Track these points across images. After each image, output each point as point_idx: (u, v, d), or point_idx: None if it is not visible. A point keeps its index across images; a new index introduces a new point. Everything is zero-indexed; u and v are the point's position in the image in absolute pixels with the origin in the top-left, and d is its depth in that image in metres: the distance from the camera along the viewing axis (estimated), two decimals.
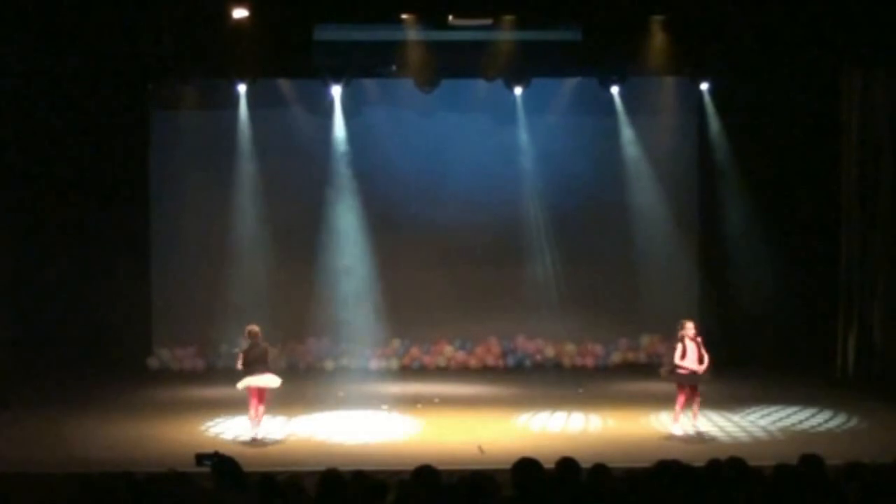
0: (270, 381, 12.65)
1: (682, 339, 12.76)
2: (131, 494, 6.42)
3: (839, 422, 13.67)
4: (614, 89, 17.76)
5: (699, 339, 12.81)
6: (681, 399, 12.78)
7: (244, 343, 12.77)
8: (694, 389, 12.78)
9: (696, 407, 12.84)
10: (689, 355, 12.70)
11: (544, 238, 18.47)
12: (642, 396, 15.38)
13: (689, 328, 12.81)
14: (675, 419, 12.86)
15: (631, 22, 14.99)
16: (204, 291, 17.83)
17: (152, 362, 18.16)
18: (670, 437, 12.65)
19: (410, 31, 15.58)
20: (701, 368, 12.70)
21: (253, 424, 12.55)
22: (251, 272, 17.80)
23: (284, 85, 17.98)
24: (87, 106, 16.87)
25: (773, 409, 14.38)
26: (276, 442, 12.60)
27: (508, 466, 6.34)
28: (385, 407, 14.60)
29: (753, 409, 14.31)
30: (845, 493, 6.20)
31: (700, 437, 12.62)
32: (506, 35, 15.57)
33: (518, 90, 17.49)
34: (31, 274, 17.12)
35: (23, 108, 16.55)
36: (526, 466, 6.27)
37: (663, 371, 13.13)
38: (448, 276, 18.32)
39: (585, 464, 6.61)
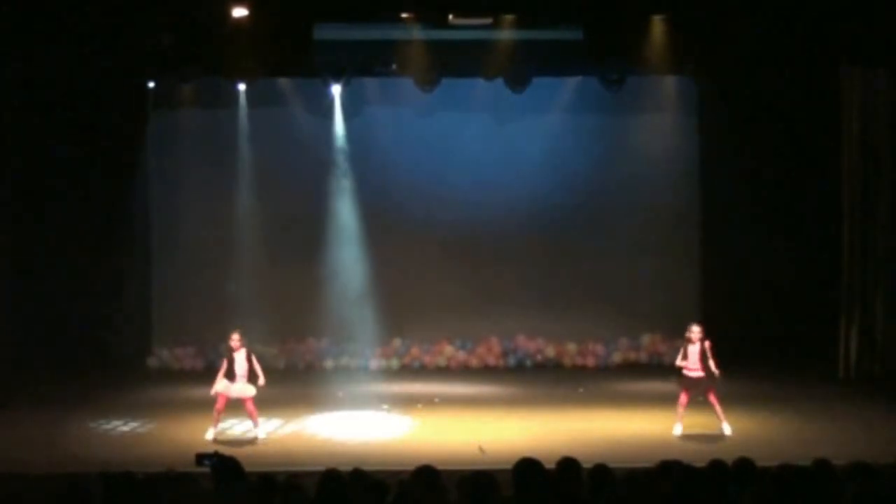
0: (243, 390, 12.72)
1: (684, 342, 12.86)
2: (131, 494, 6.41)
3: (841, 421, 13.64)
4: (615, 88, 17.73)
5: (706, 343, 12.79)
6: (681, 400, 12.83)
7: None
8: (707, 392, 12.78)
9: (717, 409, 12.79)
10: (689, 358, 12.77)
11: (545, 237, 18.45)
12: (643, 396, 15.36)
13: (692, 331, 12.87)
14: (677, 419, 12.89)
15: (632, 21, 14.98)
16: (204, 291, 17.82)
17: (152, 362, 18.14)
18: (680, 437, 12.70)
19: (410, 30, 15.57)
20: (699, 372, 12.71)
21: (216, 425, 12.70)
22: (251, 271, 17.78)
23: (284, 84, 17.96)
24: (86, 105, 16.84)
25: (774, 408, 14.35)
26: (275, 442, 12.59)
27: (508, 466, 6.33)
28: (385, 407, 14.58)
29: (755, 408, 14.28)
30: (847, 492, 6.19)
31: (724, 438, 12.59)
32: (506, 34, 15.55)
33: (518, 89, 17.45)
34: (31, 274, 17.10)
35: (22, 107, 16.52)
36: (526, 466, 6.26)
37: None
38: (448, 275, 18.27)
39: (586, 464, 6.60)
